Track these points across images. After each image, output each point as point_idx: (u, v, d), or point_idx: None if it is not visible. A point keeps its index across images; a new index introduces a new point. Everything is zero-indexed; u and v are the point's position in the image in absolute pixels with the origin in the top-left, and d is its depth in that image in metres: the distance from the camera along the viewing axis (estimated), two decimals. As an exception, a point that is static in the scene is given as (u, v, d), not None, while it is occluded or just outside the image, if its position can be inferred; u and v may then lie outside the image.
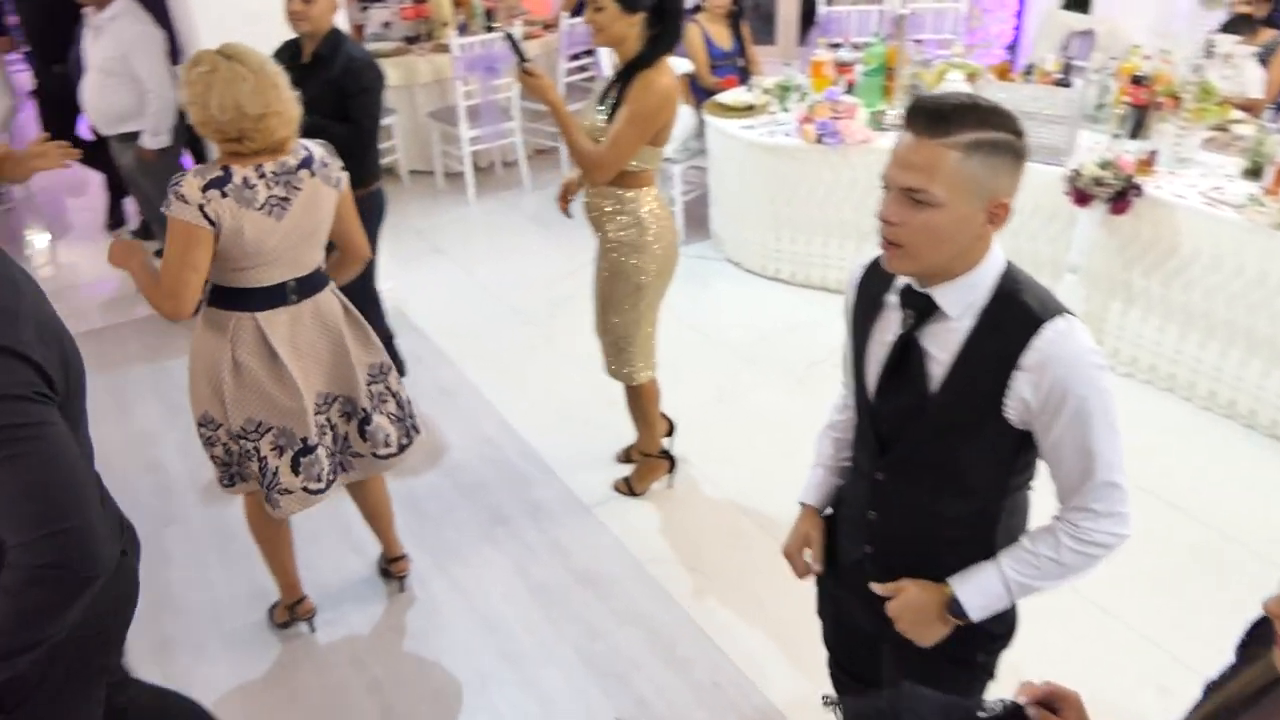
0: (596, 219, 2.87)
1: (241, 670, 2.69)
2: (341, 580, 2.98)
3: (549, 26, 6.53)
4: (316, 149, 2.32)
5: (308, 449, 2.39)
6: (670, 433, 3.41)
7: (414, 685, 2.63)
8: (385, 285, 3.82)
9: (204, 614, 2.88)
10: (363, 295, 2.93)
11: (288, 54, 3.29)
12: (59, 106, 5.18)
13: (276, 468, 2.38)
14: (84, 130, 5.09)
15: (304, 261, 2.33)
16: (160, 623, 2.84)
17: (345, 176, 2.41)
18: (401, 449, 2.60)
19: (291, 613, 2.77)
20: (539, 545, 3.10)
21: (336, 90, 3.19)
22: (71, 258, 5.50)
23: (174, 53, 4.41)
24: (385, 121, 5.71)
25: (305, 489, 2.42)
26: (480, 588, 2.94)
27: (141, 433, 3.79)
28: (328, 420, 2.47)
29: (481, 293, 4.82)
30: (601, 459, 3.48)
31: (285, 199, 2.21)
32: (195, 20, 3.80)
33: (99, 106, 4.40)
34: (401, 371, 3.97)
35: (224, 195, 2.12)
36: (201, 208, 2.10)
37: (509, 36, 2.79)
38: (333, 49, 3.22)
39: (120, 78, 4.30)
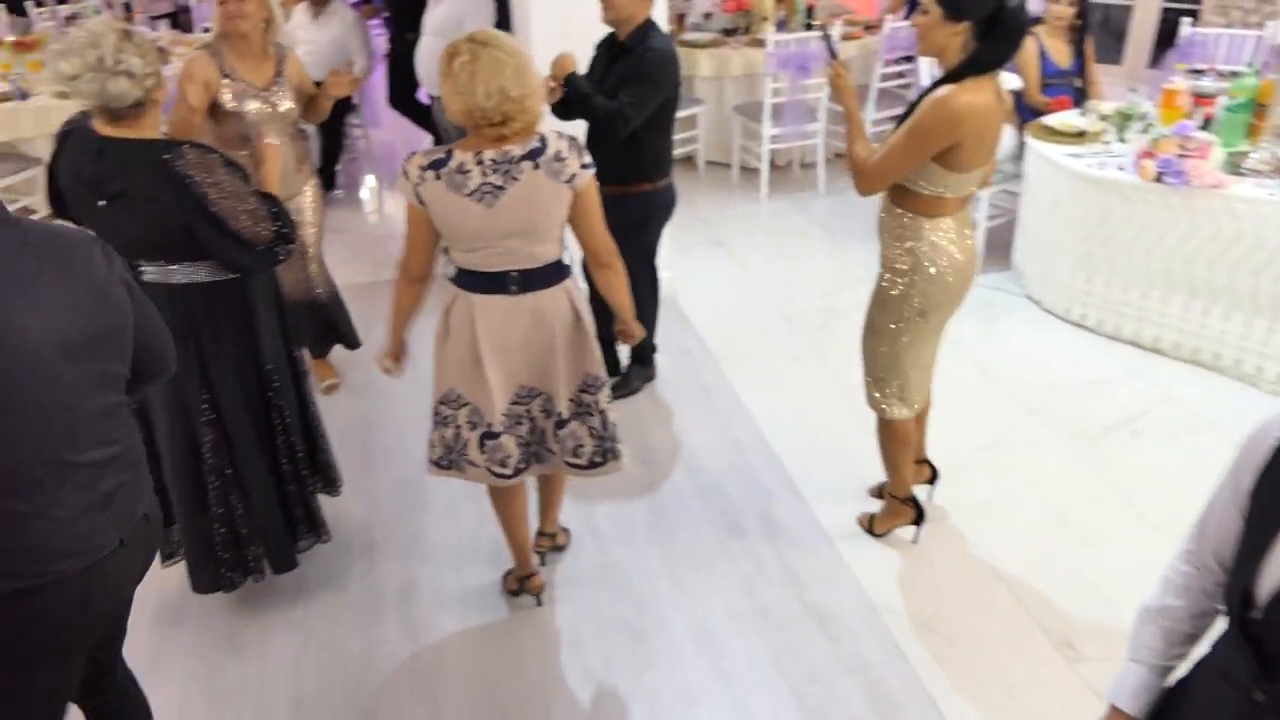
0: (884, 236, 2.69)
1: (471, 628, 2.80)
2: (575, 562, 3.03)
3: (871, 28, 6.30)
4: (556, 143, 2.24)
5: (492, 434, 2.46)
6: (932, 480, 3.17)
7: (625, 681, 2.62)
8: (664, 274, 3.82)
9: (448, 564, 3.03)
10: (638, 289, 2.90)
11: (606, 45, 3.38)
12: (405, 71, 5.67)
13: (467, 440, 2.49)
14: (423, 95, 5.54)
15: (525, 254, 2.31)
16: (409, 565, 3.03)
17: (586, 175, 2.29)
18: (593, 465, 2.59)
19: (521, 584, 2.84)
20: (772, 567, 2.99)
21: (630, 78, 3.23)
22: (393, 209, 6.03)
23: (505, 25, 4.66)
24: (690, 111, 5.76)
25: (489, 470, 2.50)
26: (705, 598, 2.88)
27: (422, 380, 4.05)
28: (527, 412, 2.52)
29: (756, 293, 4.75)
30: (852, 489, 3.30)
31: (500, 188, 2.21)
32: (528, -3, 3.97)
33: (428, 68, 4.76)
34: (641, 383, 3.94)
35: (438, 178, 2.21)
36: (416, 187, 2.23)
37: (825, 35, 2.89)
38: (639, 40, 3.25)
39: (449, 40, 4.63)
